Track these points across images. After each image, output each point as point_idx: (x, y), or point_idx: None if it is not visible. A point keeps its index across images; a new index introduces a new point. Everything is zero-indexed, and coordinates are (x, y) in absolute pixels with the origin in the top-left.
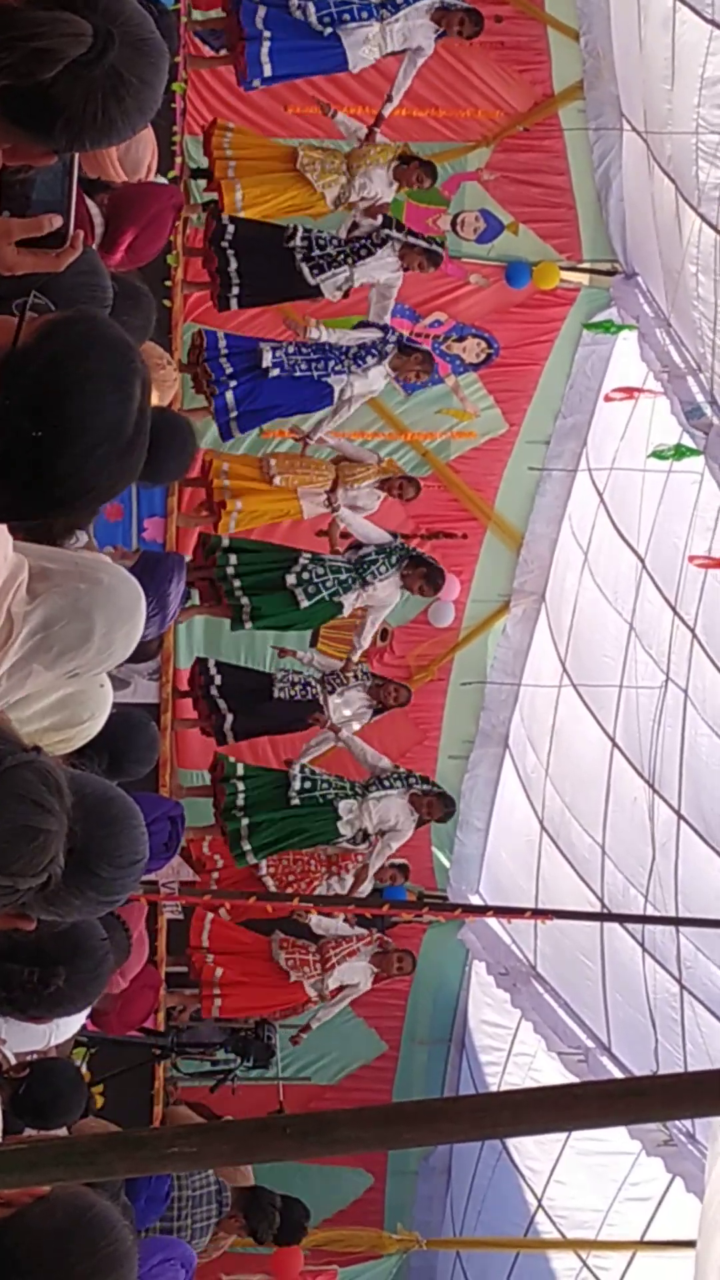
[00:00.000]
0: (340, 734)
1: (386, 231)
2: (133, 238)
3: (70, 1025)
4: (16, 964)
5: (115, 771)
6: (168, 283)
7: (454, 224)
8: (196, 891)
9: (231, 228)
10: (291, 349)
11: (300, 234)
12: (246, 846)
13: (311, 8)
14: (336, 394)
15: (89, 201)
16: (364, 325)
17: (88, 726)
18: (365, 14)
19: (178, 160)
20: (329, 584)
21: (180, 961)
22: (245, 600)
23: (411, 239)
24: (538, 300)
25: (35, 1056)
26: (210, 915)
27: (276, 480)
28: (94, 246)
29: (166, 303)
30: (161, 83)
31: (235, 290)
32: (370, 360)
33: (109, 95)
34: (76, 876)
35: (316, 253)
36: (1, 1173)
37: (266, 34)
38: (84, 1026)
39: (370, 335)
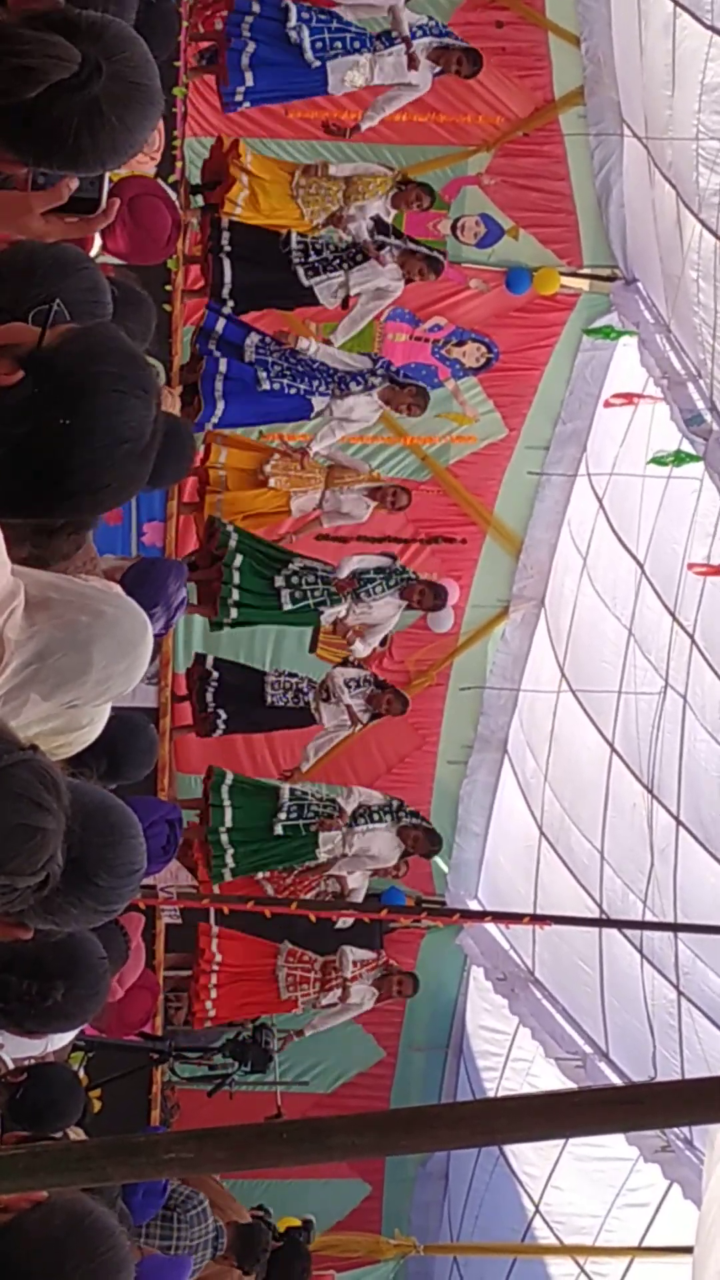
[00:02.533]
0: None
1: (382, 238)
2: (126, 218)
3: (68, 1031)
4: (14, 976)
5: (114, 775)
6: (168, 287)
7: (454, 229)
8: (195, 895)
9: (228, 234)
10: (278, 354)
11: (295, 239)
12: (227, 866)
13: (306, 32)
14: (315, 411)
15: None
16: (365, 355)
17: (86, 732)
18: (358, 44)
19: (178, 165)
20: (317, 593)
21: (179, 964)
22: (235, 590)
23: (411, 245)
24: (538, 305)
25: (32, 1061)
26: (216, 929)
27: (271, 482)
28: (94, 247)
29: (166, 307)
30: (144, 130)
31: (229, 305)
32: (354, 388)
33: (83, 125)
34: (75, 885)
35: (313, 256)
36: None
37: (250, 45)
38: (82, 1031)
39: (359, 364)
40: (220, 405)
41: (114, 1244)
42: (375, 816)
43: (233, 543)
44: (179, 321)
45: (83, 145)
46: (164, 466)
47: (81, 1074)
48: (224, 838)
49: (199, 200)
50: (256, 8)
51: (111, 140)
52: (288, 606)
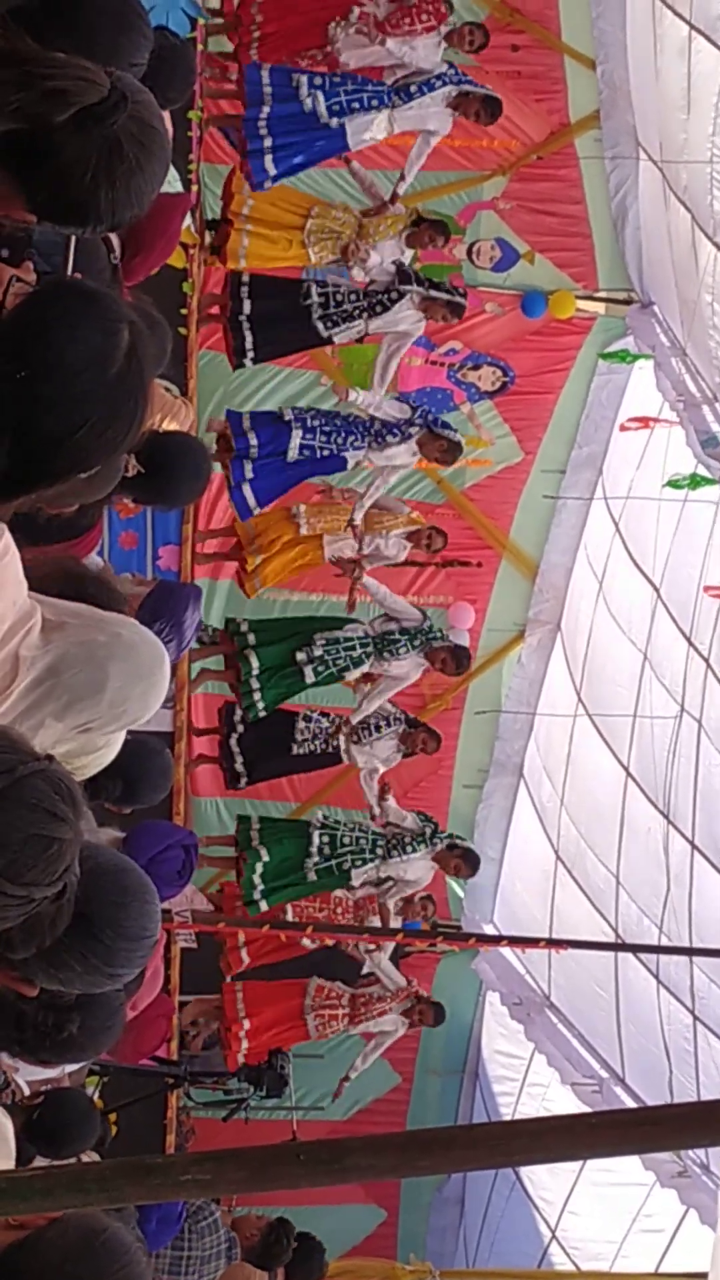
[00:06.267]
0: (382, 804)
1: (405, 287)
2: (149, 256)
3: (82, 1062)
4: (30, 1007)
5: (129, 799)
6: (183, 310)
7: (470, 253)
8: (211, 919)
9: (248, 305)
10: (316, 418)
11: (316, 291)
12: (258, 896)
13: (321, 97)
14: (350, 465)
15: None
16: (399, 399)
17: (101, 754)
18: (376, 101)
19: (194, 189)
20: (340, 662)
21: (194, 988)
22: (258, 693)
23: (433, 292)
24: (553, 329)
25: (49, 1086)
26: (240, 985)
27: (304, 528)
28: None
29: (182, 330)
30: (156, 178)
31: (250, 356)
32: (391, 440)
33: (102, 163)
34: (80, 941)
35: (333, 308)
36: (15, 1199)
37: (268, 141)
38: None
39: (398, 414)
40: (255, 508)
41: (129, 1260)
42: (409, 847)
43: (250, 641)
44: (194, 345)
45: (99, 184)
46: (179, 485)
47: (96, 1098)
48: (257, 892)
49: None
50: (269, 90)
51: (126, 184)
52: (310, 680)
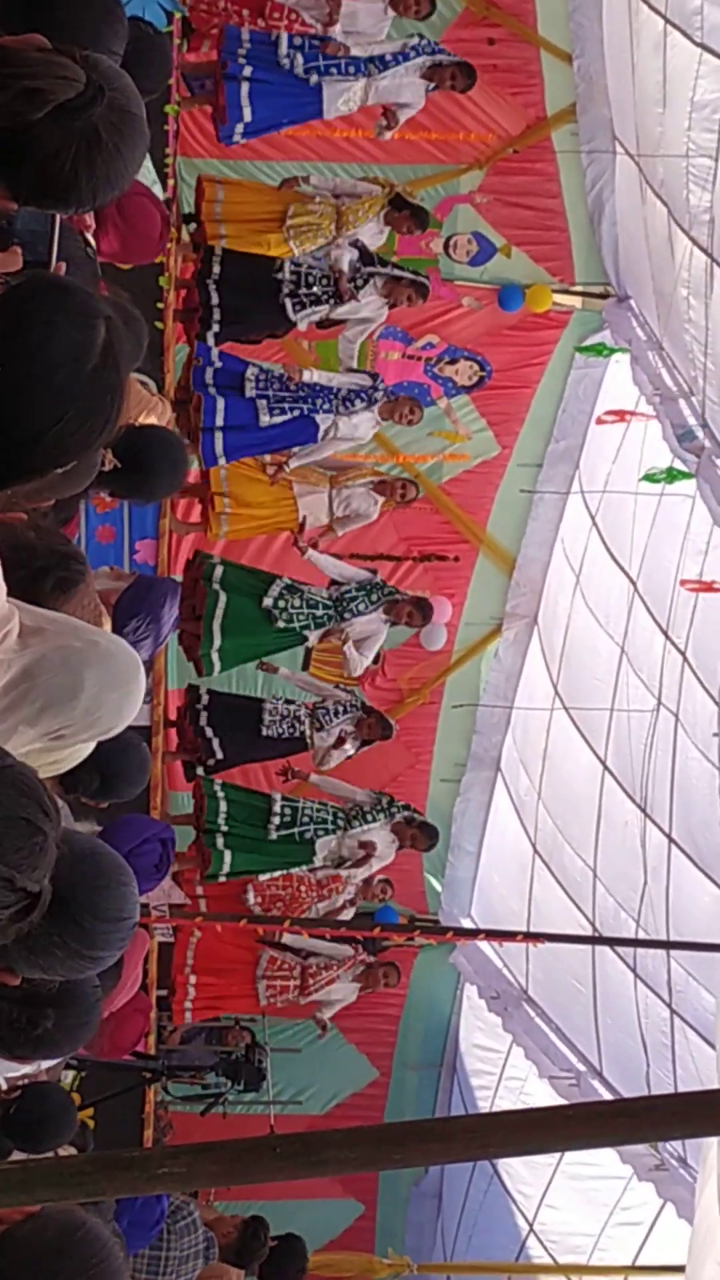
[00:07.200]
0: (311, 776)
1: (370, 269)
2: (116, 220)
3: (58, 1058)
4: (4, 1003)
5: (106, 792)
6: (160, 305)
7: (446, 247)
8: (188, 914)
9: (218, 269)
10: (278, 386)
11: (289, 268)
12: (224, 867)
13: (300, 58)
14: (321, 432)
15: None
16: (352, 371)
17: (76, 751)
18: (352, 69)
19: (170, 182)
20: (302, 617)
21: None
22: (215, 645)
23: (397, 271)
24: (530, 323)
25: (26, 1081)
26: (196, 934)
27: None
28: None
29: (159, 324)
30: (136, 161)
31: (215, 328)
32: (359, 404)
33: (81, 152)
34: (59, 924)
35: (303, 290)
36: None
37: (247, 70)
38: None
39: (360, 381)
40: (222, 457)
41: (107, 1255)
42: (369, 816)
43: (216, 579)
44: (171, 340)
45: (79, 173)
46: (156, 479)
47: (74, 1093)
48: (220, 842)
49: (190, 227)
50: (246, 35)
51: (107, 170)
52: (280, 625)
